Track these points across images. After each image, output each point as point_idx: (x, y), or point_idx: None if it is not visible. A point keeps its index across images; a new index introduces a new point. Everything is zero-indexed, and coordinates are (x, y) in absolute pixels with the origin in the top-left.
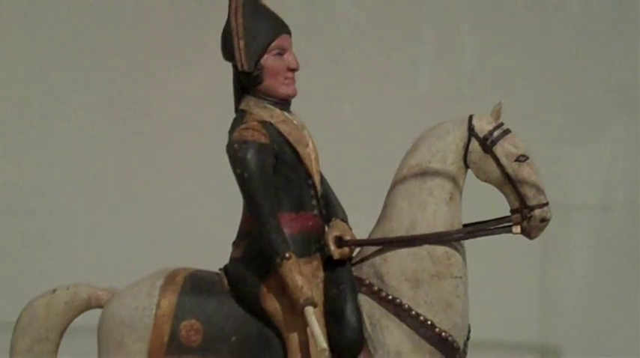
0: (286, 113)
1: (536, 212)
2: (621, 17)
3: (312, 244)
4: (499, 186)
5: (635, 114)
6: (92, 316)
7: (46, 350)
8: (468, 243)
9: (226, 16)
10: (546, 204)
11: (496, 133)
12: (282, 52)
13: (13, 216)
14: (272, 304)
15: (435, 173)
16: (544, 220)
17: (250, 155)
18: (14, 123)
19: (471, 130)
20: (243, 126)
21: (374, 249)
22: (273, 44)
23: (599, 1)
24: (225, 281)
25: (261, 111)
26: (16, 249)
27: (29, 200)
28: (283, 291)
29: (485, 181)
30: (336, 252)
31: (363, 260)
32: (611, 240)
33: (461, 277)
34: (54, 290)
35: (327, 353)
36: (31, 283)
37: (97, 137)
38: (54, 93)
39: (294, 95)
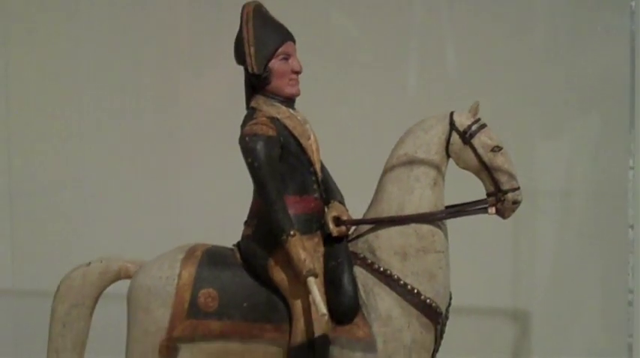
0: (291, 110)
1: (509, 195)
2: (585, 23)
3: (314, 223)
4: (476, 173)
5: (595, 112)
6: (122, 286)
7: (82, 314)
8: (449, 222)
9: (239, 26)
10: (518, 188)
11: (474, 127)
12: (287, 57)
13: (56, 199)
14: (279, 275)
15: (421, 162)
16: (516, 202)
17: (260, 146)
18: (57, 117)
19: (452, 125)
20: (254, 121)
21: (367, 227)
22: (280, 50)
23: (566, 7)
24: (238, 256)
25: (269, 108)
26: (57, 228)
27: (69, 187)
28: (288, 264)
29: (465, 169)
30: (334, 230)
31: (358, 237)
32: (573, 221)
33: (443, 251)
34: (89, 263)
35: (326, 317)
36: (69, 257)
37: (129, 132)
38: (88, 93)
39: (297, 94)
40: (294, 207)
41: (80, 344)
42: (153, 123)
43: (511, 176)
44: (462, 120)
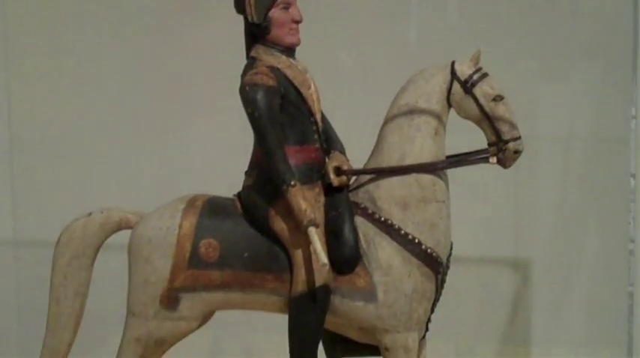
0: (291, 59)
1: (510, 145)
2: None
3: (315, 173)
4: (477, 123)
5: (597, 59)
6: (123, 236)
7: (83, 264)
8: (450, 172)
9: None
10: (519, 137)
11: (475, 76)
12: (287, 6)
13: (57, 149)
14: (279, 225)
15: (422, 111)
16: (517, 152)
17: (260, 96)
18: (57, 66)
19: (453, 74)
20: (254, 71)
21: (368, 177)
22: None
23: None
24: (239, 206)
25: (270, 57)
26: (58, 178)
27: (70, 137)
28: (289, 214)
29: (466, 118)
30: (335, 179)
31: (358, 187)
32: (574, 169)
33: (444, 201)
34: (90, 214)
35: (327, 267)
36: (70, 208)
37: (129, 82)
38: (87, 43)
39: (298, 44)
40: (294, 157)
41: (81, 294)
42: (153, 73)
43: (512, 125)
44: (464, 70)
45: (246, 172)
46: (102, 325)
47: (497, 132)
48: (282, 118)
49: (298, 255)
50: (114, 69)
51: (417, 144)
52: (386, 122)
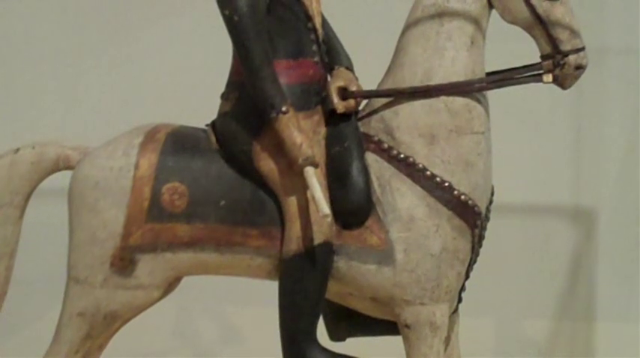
0: None
1: (571, 58)
2: None
3: (313, 96)
4: (528, 29)
5: None
6: (62, 178)
7: (10, 216)
8: (491, 94)
9: None
10: (583, 48)
11: None
12: None
13: None
14: (267, 164)
15: (454, 14)
16: (579, 67)
17: None
18: None
19: None
20: None
21: (384, 101)
22: None
23: None
24: (213, 139)
25: None
26: None
27: None
28: (279, 149)
29: (512, 23)
30: (340, 104)
31: (370, 114)
32: None
33: (483, 132)
34: (17, 150)
35: (329, 218)
36: None
37: None
38: None
39: None
40: (286, 74)
41: (8, 254)
42: None
43: (573, 32)
44: None
45: (222, 95)
46: (35, 295)
47: (553, 42)
48: (270, 23)
49: (291, 203)
50: None
51: (448, 57)
52: (407, 28)
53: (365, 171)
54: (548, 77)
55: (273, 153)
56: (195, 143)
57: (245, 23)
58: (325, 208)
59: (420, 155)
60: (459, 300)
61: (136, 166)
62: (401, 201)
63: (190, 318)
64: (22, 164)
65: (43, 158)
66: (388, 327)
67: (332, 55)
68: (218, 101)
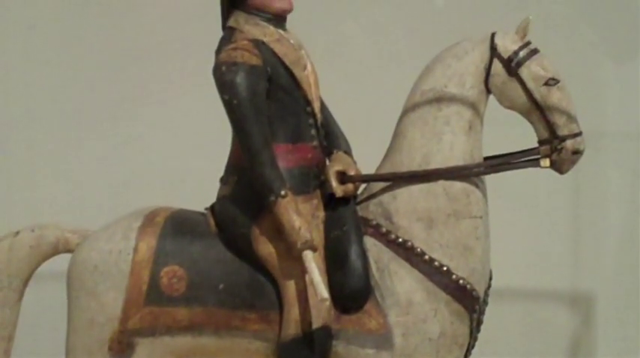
0: (281, 31)
1: (568, 143)
2: None
3: (312, 180)
4: (525, 114)
5: None
6: (61, 262)
7: (9, 299)
8: (489, 179)
9: None
10: (579, 133)
11: (522, 53)
12: None
13: None
14: (265, 248)
15: (452, 99)
16: (577, 152)
17: (240, 78)
18: None
19: (493, 50)
20: (232, 45)
21: (382, 185)
22: None
23: None
24: (212, 222)
25: (253, 28)
26: None
27: None
28: (278, 233)
29: (510, 108)
30: (338, 188)
31: (369, 198)
32: None
33: (481, 217)
34: (17, 233)
35: (328, 303)
36: None
37: (74, 57)
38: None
39: (290, 10)
40: (285, 158)
41: (6, 338)
42: (103, 47)
43: (570, 117)
44: (507, 44)
45: (221, 179)
46: None
47: (550, 127)
48: (270, 108)
49: (290, 287)
50: (47, 41)
51: (446, 141)
52: (405, 113)
53: (363, 255)
54: (546, 162)
55: (272, 237)
56: (194, 226)
57: (244, 107)
58: (324, 292)
59: (419, 239)
60: None
61: (135, 250)
62: (399, 285)
63: None
64: (22, 247)
65: (43, 241)
66: None
67: (331, 139)
68: (217, 184)
